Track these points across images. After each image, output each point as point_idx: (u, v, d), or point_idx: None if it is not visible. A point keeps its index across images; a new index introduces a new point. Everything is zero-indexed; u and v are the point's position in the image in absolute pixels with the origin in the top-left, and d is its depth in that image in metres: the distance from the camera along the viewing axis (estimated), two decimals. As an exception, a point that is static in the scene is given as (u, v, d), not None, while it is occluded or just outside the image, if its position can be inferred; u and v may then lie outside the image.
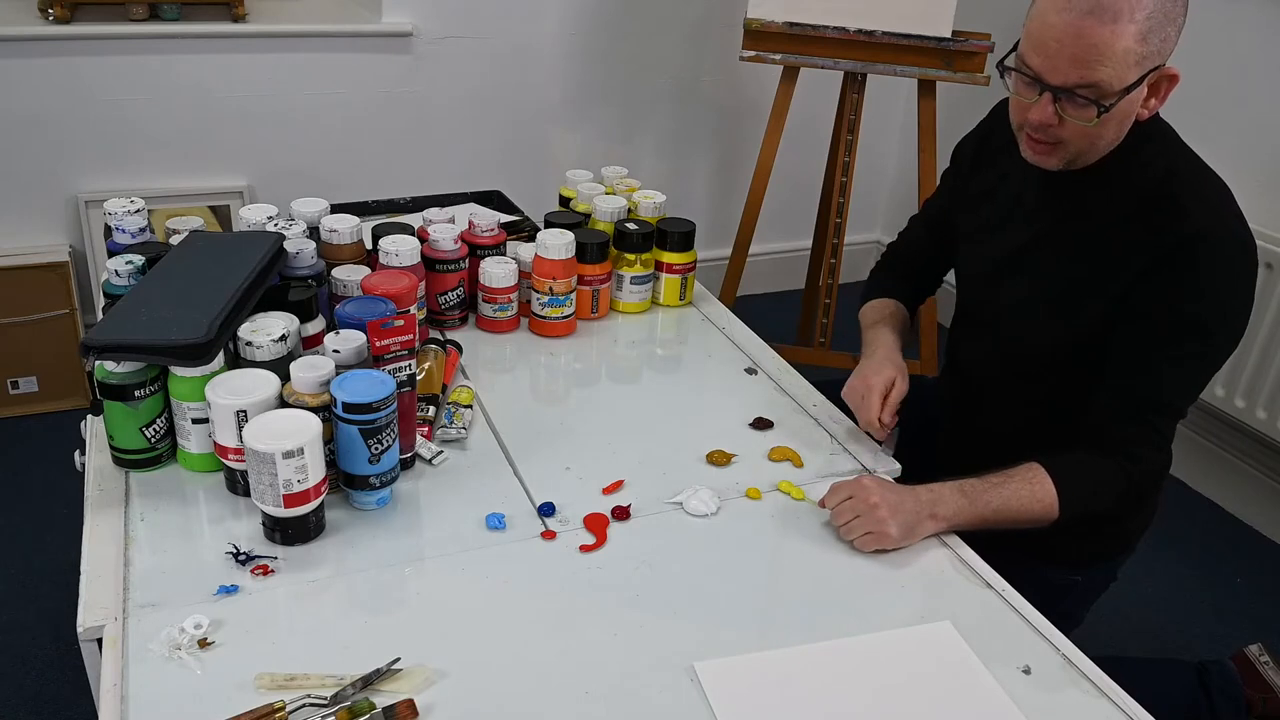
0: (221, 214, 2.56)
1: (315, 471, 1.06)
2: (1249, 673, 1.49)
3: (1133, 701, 0.98)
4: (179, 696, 0.91)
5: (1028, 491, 1.21)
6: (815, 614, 1.07)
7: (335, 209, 1.52)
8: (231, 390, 1.10)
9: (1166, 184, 1.22)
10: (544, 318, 1.55)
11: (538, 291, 1.53)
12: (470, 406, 1.35)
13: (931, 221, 1.57)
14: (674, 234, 1.62)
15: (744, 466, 1.29)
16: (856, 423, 1.36)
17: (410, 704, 0.89)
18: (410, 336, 1.17)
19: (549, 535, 1.14)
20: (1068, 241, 1.30)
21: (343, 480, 1.13)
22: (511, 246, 1.61)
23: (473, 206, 1.91)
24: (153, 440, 1.17)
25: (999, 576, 1.13)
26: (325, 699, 0.90)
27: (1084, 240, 1.28)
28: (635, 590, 1.07)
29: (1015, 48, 1.20)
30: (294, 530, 1.08)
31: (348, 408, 1.07)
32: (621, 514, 1.18)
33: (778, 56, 2.36)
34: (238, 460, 1.11)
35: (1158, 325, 1.21)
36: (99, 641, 0.96)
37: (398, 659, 0.94)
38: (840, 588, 1.11)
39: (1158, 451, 1.27)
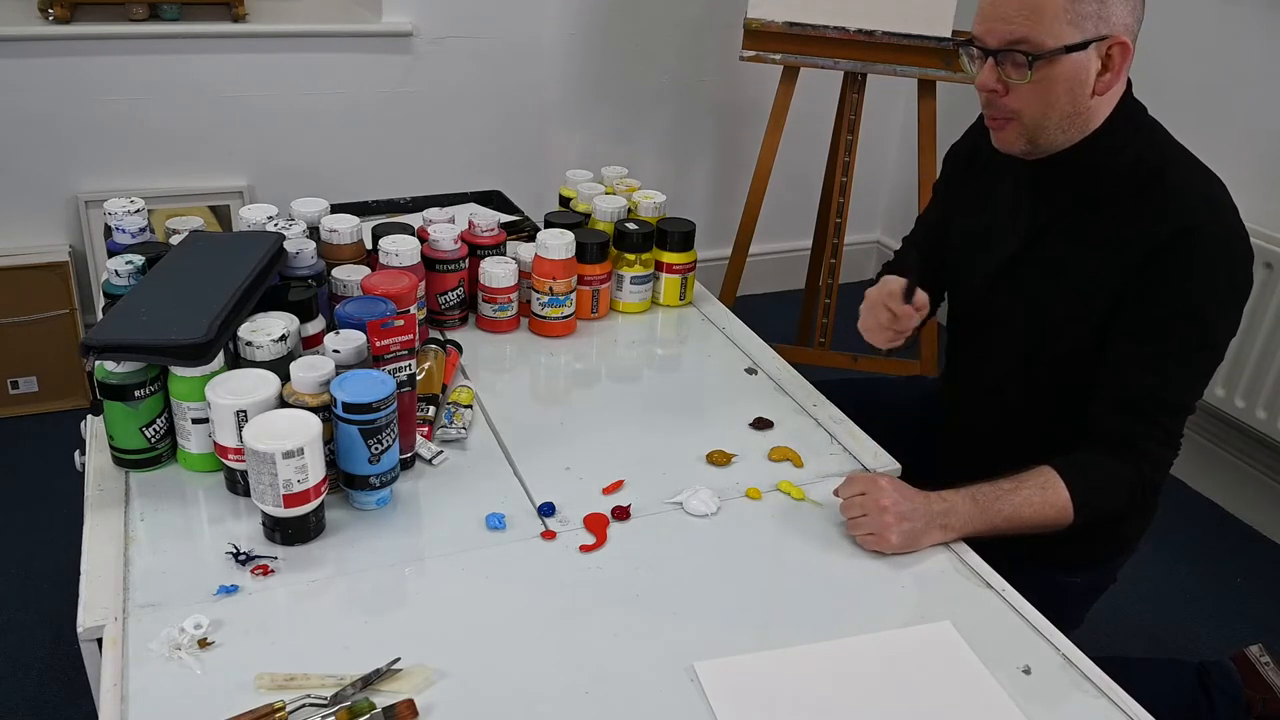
0: (221, 214, 2.56)
1: (315, 471, 1.06)
2: (1249, 673, 1.49)
3: (1133, 701, 0.98)
4: (179, 696, 0.90)
5: (1040, 498, 1.20)
6: (815, 614, 1.07)
7: (335, 209, 1.53)
8: (231, 390, 1.10)
9: (1158, 177, 1.23)
10: (544, 318, 1.55)
11: (538, 291, 1.53)
12: (470, 406, 1.35)
13: (927, 234, 1.56)
14: (674, 234, 1.62)
15: (744, 466, 1.29)
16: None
17: (410, 704, 0.89)
18: (410, 336, 1.18)
19: (549, 535, 1.14)
20: (1063, 241, 1.30)
21: (343, 480, 1.13)
22: (511, 246, 1.61)
23: (473, 206, 1.91)
24: (153, 440, 1.17)
25: (999, 576, 1.13)
26: (325, 699, 0.90)
27: (1079, 238, 1.28)
28: (635, 590, 1.07)
29: None
30: (294, 530, 1.08)
31: (348, 408, 1.07)
32: (621, 514, 1.18)
33: (778, 56, 2.36)
34: (238, 460, 1.11)
35: (1157, 319, 1.22)
36: (99, 641, 0.96)
37: (398, 659, 0.94)
38: (840, 588, 1.11)
39: (1169, 449, 1.27)
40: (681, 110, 3.00)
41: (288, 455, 1.02)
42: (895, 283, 1.35)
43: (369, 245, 1.49)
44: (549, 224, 1.61)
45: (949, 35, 2.26)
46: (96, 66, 2.37)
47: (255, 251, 1.25)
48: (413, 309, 1.29)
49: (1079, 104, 1.21)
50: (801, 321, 2.89)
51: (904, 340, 1.37)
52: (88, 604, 0.99)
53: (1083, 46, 1.16)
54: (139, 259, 1.28)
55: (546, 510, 1.17)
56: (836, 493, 1.20)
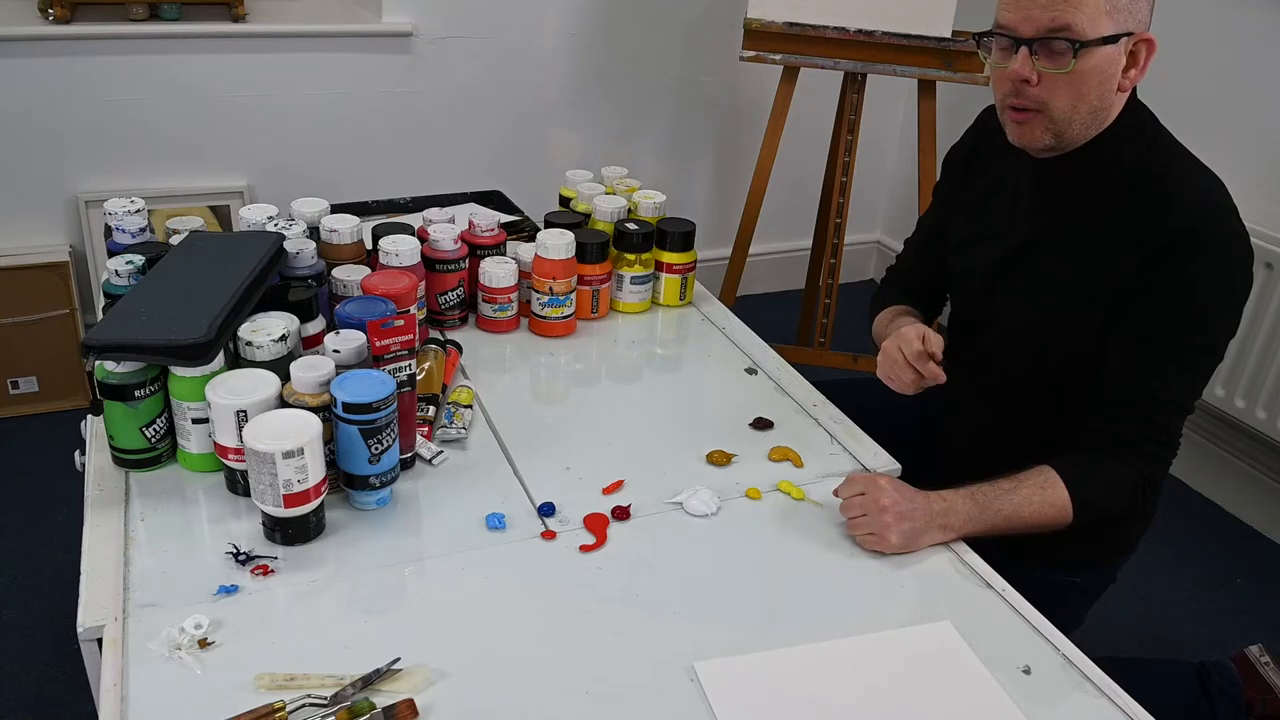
0: (221, 214, 2.56)
1: (315, 471, 1.05)
2: (1249, 673, 1.49)
3: (1133, 701, 0.98)
4: (179, 696, 0.91)
5: (1040, 497, 1.20)
6: (815, 614, 1.07)
7: (335, 209, 1.53)
8: (231, 390, 1.10)
9: (1159, 178, 1.23)
10: (544, 318, 1.55)
11: (538, 291, 1.53)
12: (470, 406, 1.35)
13: (929, 238, 1.56)
14: (674, 234, 1.62)
15: (744, 466, 1.29)
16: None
17: (410, 704, 0.89)
18: (410, 336, 1.18)
19: (549, 535, 1.14)
20: (1063, 241, 1.30)
21: (343, 480, 1.13)
22: (511, 246, 1.61)
23: (473, 206, 1.91)
24: (153, 440, 1.17)
25: (999, 576, 1.13)
26: (325, 699, 0.90)
27: (1079, 239, 1.28)
28: (635, 590, 1.07)
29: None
30: (294, 530, 1.08)
31: (348, 408, 1.07)
32: (621, 514, 1.18)
33: (778, 56, 2.36)
34: (238, 460, 1.11)
35: (1157, 320, 1.21)
36: (99, 641, 0.96)
37: (398, 659, 0.94)
38: (840, 588, 1.11)
39: (1168, 449, 1.27)
40: (681, 110, 3.00)
41: (288, 455, 1.02)
42: (913, 332, 1.30)
43: (369, 245, 1.49)
44: (549, 224, 1.61)
45: (949, 35, 2.26)
46: (96, 66, 2.37)
47: (255, 251, 1.25)
48: (413, 309, 1.29)
49: (1105, 98, 1.20)
50: (801, 321, 2.89)
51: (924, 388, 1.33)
52: (88, 604, 0.99)
53: (1114, 40, 1.16)
54: (139, 259, 1.28)
55: (546, 510, 1.17)
56: (836, 493, 1.20)
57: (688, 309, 1.69)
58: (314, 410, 1.08)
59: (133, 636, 0.96)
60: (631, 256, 1.61)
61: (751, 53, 2.36)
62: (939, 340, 1.29)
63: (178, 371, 1.13)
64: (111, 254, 1.33)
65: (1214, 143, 1.53)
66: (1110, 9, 1.15)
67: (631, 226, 1.61)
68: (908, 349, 1.29)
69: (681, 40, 2.90)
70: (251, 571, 1.05)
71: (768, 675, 0.98)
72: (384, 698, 0.91)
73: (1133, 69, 1.20)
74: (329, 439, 1.10)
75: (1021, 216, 1.35)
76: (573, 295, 1.55)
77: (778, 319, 3.07)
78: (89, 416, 1.27)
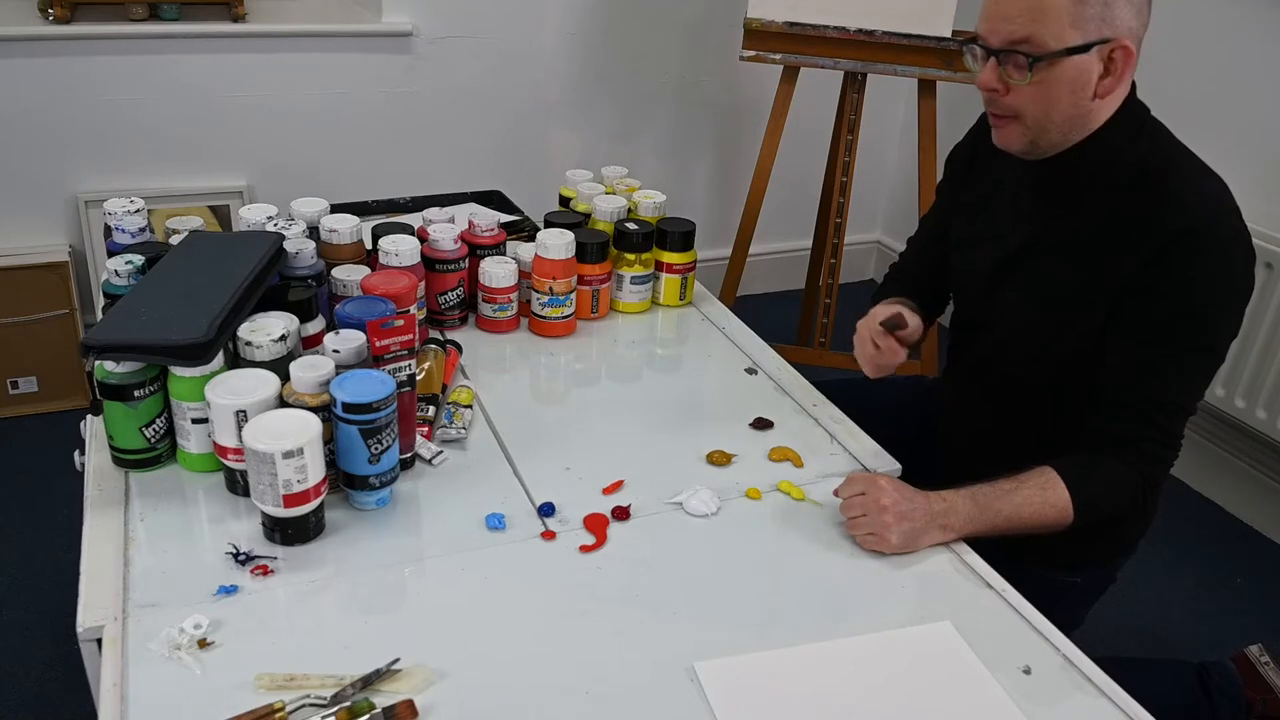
0: (221, 214, 2.56)
1: (315, 471, 1.05)
2: (1249, 673, 1.49)
3: (1133, 701, 0.98)
4: (179, 696, 0.91)
5: (1040, 498, 1.20)
6: (815, 614, 1.07)
7: (335, 209, 1.53)
8: (231, 390, 1.10)
9: (1160, 179, 1.22)
10: (544, 318, 1.55)
11: (538, 291, 1.53)
12: (470, 406, 1.35)
13: (931, 237, 1.55)
14: (674, 234, 1.62)
15: (744, 466, 1.29)
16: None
17: (410, 704, 0.89)
18: (410, 336, 1.18)
19: (549, 535, 1.14)
20: (1064, 241, 1.30)
21: (343, 480, 1.13)
22: (511, 246, 1.61)
23: (473, 206, 1.91)
24: (152, 440, 1.17)
25: (999, 576, 1.13)
26: (325, 699, 0.90)
27: (1080, 239, 1.28)
28: (635, 590, 1.07)
29: None
30: (294, 530, 1.08)
31: (348, 408, 1.07)
32: (621, 514, 1.18)
33: (778, 56, 2.36)
34: (238, 460, 1.11)
35: (1157, 321, 1.21)
36: (99, 641, 0.96)
37: (398, 659, 0.94)
38: (840, 588, 1.11)
39: (1169, 450, 1.26)
40: (681, 110, 3.00)
41: (287, 455, 1.02)
42: (882, 314, 1.36)
43: (369, 245, 1.49)
44: (549, 224, 1.61)
45: (949, 35, 2.26)
46: (96, 66, 2.37)
47: (255, 251, 1.25)
48: (413, 309, 1.29)
49: (1080, 106, 1.20)
50: (801, 321, 2.89)
51: (893, 369, 1.37)
52: (88, 604, 0.99)
53: (1085, 49, 1.15)
54: (139, 259, 1.28)
55: (546, 510, 1.17)
56: (836, 493, 1.20)
57: (688, 309, 1.69)
58: (314, 410, 1.08)
59: (132, 636, 0.96)
60: (631, 256, 1.61)
61: (751, 53, 2.36)
62: (914, 322, 1.31)
63: (177, 371, 1.13)
64: (111, 254, 1.33)
65: (1214, 143, 1.52)
66: (1076, 20, 1.14)
67: (631, 226, 1.61)
68: (871, 325, 1.30)
69: (681, 40, 2.90)
70: (251, 571, 1.05)
71: (768, 675, 0.98)
72: (384, 698, 0.91)
73: (1109, 76, 1.18)
74: (329, 439, 1.10)
75: (1022, 216, 1.35)
76: (573, 295, 1.55)
77: (778, 319, 3.07)
78: (89, 416, 1.27)
